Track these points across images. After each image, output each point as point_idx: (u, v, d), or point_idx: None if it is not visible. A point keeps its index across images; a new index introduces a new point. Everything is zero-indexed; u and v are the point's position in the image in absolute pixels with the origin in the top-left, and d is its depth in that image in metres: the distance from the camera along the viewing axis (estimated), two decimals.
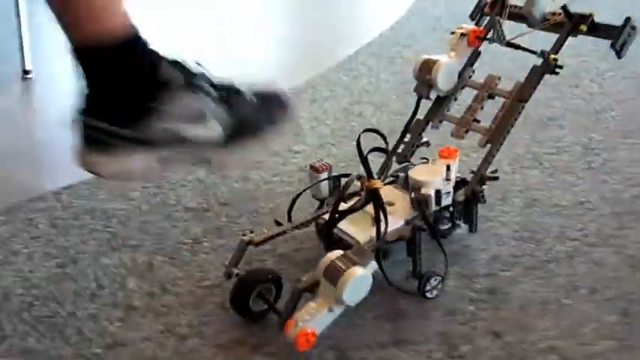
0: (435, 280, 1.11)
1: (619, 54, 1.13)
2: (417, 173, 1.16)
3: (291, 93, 1.22)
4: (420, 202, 1.12)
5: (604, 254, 1.19)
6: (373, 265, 0.99)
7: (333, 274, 0.97)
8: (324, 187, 1.21)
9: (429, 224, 1.11)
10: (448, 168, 1.15)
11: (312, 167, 1.23)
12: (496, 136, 1.17)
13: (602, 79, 1.99)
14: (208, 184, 1.50)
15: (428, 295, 1.10)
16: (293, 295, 0.99)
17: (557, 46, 1.18)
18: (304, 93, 2.01)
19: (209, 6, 3.05)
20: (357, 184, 1.14)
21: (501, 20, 1.23)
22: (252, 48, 2.53)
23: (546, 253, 1.21)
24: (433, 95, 1.25)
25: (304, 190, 1.22)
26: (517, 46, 1.22)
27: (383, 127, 1.34)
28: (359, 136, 1.16)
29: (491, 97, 1.22)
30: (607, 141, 1.61)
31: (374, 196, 1.07)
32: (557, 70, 1.17)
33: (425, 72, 1.22)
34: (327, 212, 1.12)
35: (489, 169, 1.17)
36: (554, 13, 1.21)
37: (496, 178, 1.20)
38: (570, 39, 1.18)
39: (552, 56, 1.16)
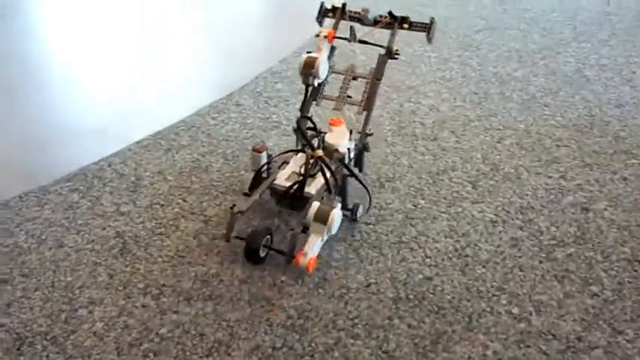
0: (361, 207, 1.73)
1: (430, 41, 1.76)
2: (332, 139, 1.67)
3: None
4: (341, 159, 1.67)
5: None
6: (339, 205, 1.57)
7: (322, 216, 1.51)
8: (263, 161, 1.72)
9: (350, 170, 1.69)
10: (350, 132, 1.72)
11: (253, 149, 1.73)
12: (368, 104, 1.76)
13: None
14: (24, 249, 1.68)
15: (358, 219, 1.75)
16: (293, 238, 1.53)
17: (392, 39, 1.78)
18: (163, 140, 2.15)
19: None
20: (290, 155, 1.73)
21: (350, 23, 1.76)
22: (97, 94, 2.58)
23: None
24: (316, 82, 1.71)
25: (261, 168, 1.72)
26: (366, 42, 1.78)
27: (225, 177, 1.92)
28: (298, 119, 1.68)
29: (354, 79, 1.79)
30: None
31: (322, 161, 1.59)
32: (396, 56, 1.77)
33: (309, 67, 1.68)
34: (279, 179, 1.64)
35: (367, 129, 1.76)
36: (382, 16, 1.79)
37: (371, 134, 1.80)
38: None
39: (391, 46, 1.76)
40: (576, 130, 2.28)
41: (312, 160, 1.58)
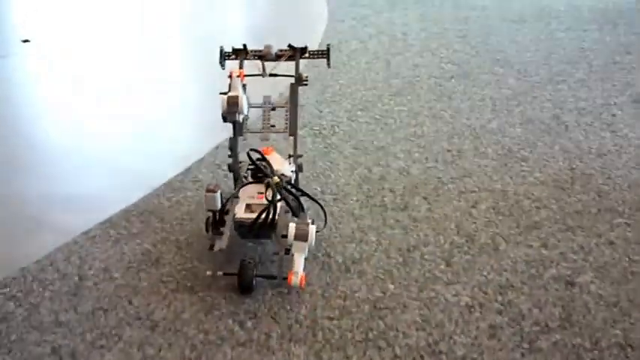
0: (315, 225, 1.73)
1: (329, 65, 1.93)
2: (276, 166, 1.77)
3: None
4: (289, 182, 1.80)
5: None
6: (310, 222, 1.68)
7: (301, 235, 1.63)
8: (218, 199, 1.73)
9: (301, 190, 1.84)
10: (290, 156, 1.89)
11: (207, 190, 1.72)
12: (293, 129, 1.90)
13: None
14: None
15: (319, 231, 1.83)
16: (281, 260, 1.68)
17: (298, 68, 1.93)
18: (113, 229, 2.00)
19: None
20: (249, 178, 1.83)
21: (259, 61, 1.90)
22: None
23: None
24: (240, 118, 1.83)
25: (225, 204, 1.75)
26: (276, 75, 1.93)
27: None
28: (248, 153, 1.76)
29: (273, 109, 1.95)
30: None
31: (282, 186, 1.70)
32: (305, 82, 1.90)
33: (233, 104, 1.80)
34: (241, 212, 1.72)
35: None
36: (282, 50, 1.94)
37: (302, 156, 1.95)
38: None
39: (301, 74, 1.91)
40: (556, 187, 2.13)
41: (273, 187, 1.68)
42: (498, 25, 3.79)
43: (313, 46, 1.98)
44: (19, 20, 4.03)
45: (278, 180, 1.68)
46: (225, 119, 1.82)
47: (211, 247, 1.71)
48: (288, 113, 1.91)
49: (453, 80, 2.98)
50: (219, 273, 1.70)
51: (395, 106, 2.72)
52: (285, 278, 1.64)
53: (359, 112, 2.66)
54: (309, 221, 1.67)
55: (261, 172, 1.75)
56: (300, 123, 1.96)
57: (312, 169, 2.20)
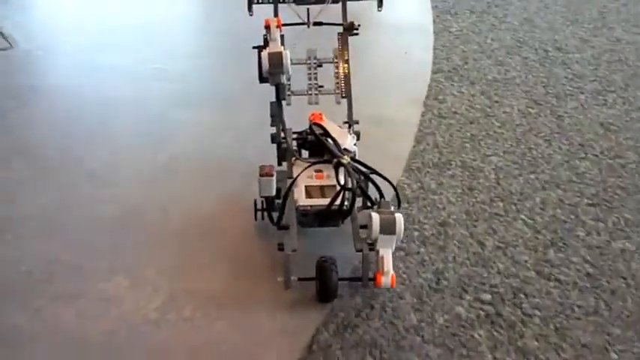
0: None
1: (380, 6, 1.63)
2: (338, 139, 1.46)
3: None
4: (353, 158, 1.45)
5: None
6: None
7: (389, 227, 1.29)
8: (274, 184, 1.43)
9: (369, 167, 1.44)
10: (350, 125, 1.55)
11: (262, 174, 1.41)
12: (346, 90, 1.57)
13: None
14: None
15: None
16: (365, 260, 1.32)
17: (345, 13, 1.62)
18: None
19: None
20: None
21: (299, 5, 1.58)
22: None
23: None
24: (285, 79, 1.50)
25: (288, 190, 1.42)
26: (322, 23, 1.60)
27: None
28: (310, 126, 1.47)
29: (319, 66, 1.58)
30: None
31: (351, 167, 1.38)
32: (356, 31, 1.59)
33: (275, 63, 1.46)
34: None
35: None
36: None
37: (357, 122, 1.58)
38: None
39: (352, 21, 1.59)
40: None
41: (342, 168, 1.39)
42: None
43: None
44: None
45: (349, 160, 1.39)
46: (264, 80, 1.49)
47: (280, 246, 1.33)
48: (337, 70, 1.58)
49: None
50: (293, 278, 1.32)
51: None
52: (372, 279, 1.32)
53: None
54: (394, 210, 1.34)
55: (325, 150, 1.44)
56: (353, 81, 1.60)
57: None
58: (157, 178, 1.73)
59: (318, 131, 1.47)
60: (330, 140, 1.46)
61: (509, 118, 2.06)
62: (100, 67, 2.31)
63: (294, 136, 1.54)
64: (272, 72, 1.47)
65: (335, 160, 1.40)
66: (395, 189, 1.47)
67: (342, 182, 1.37)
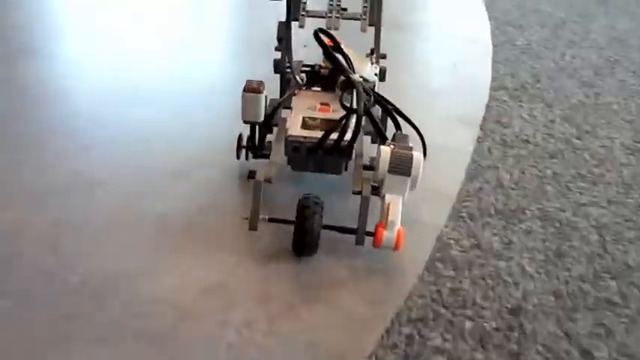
0: None
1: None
2: (361, 68, 1.14)
3: None
4: (373, 88, 1.16)
5: None
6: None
7: (402, 163, 0.97)
8: (262, 105, 1.13)
9: (389, 103, 1.13)
10: (372, 52, 1.26)
11: (246, 89, 1.11)
12: (374, 16, 1.24)
13: None
14: None
15: None
16: (364, 204, 0.97)
17: None
18: None
19: None
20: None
21: None
22: None
23: None
24: None
25: (274, 112, 1.15)
26: None
27: None
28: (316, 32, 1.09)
29: None
30: None
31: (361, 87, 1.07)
32: None
33: None
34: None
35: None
36: None
37: (385, 57, 1.27)
38: None
39: None
40: None
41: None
42: None
43: None
44: None
45: (360, 79, 1.07)
46: None
47: (252, 174, 1.04)
48: None
49: None
50: (263, 217, 1.00)
51: None
52: (370, 233, 0.98)
53: None
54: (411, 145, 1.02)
55: (336, 66, 1.09)
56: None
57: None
58: None
59: (326, 41, 1.09)
60: (341, 58, 1.10)
61: (610, 155, 1.39)
62: None
63: (305, 69, 1.25)
64: None
65: (342, 78, 1.09)
66: (421, 137, 1.10)
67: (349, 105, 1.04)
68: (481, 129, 1.46)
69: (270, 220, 1.01)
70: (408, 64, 1.80)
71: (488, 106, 1.58)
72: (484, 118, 1.51)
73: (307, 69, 1.25)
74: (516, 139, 1.43)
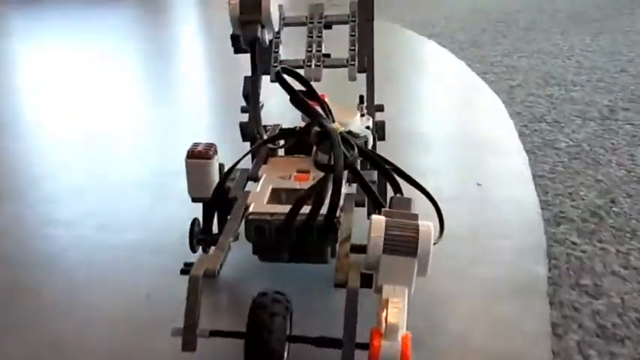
0: None
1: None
2: (340, 117, 0.91)
3: None
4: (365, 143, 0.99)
5: None
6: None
7: (403, 242, 0.65)
8: (213, 173, 0.90)
9: (390, 164, 0.86)
10: (361, 101, 1.04)
11: (191, 155, 0.86)
12: (366, 62, 1.00)
13: None
14: None
15: None
16: (350, 302, 0.64)
17: None
18: None
19: None
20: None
21: None
22: None
23: None
24: (267, 37, 0.94)
25: (222, 182, 0.84)
26: None
27: None
28: (278, 72, 0.81)
29: (327, 26, 1.03)
30: None
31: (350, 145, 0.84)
32: None
33: (250, 10, 0.91)
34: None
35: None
36: None
37: (382, 108, 1.05)
38: None
39: None
40: None
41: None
42: None
43: None
44: None
45: (342, 129, 0.75)
46: (235, 39, 0.90)
47: (187, 266, 0.71)
48: (353, 34, 0.98)
49: None
50: (203, 329, 0.64)
51: None
52: (363, 345, 0.58)
53: None
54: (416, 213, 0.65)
55: (306, 113, 0.78)
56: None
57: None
58: None
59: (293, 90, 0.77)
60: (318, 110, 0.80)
61: None
62: None
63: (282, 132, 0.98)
64: (245, 20, 0.88)
65: (317, 127, 0.75)
66: (437, 207, 0.74)
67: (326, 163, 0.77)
68: (551, 305, 0.81)
69: (213, 333, 0.68)
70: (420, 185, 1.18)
71: (548, 254, 0.94)
72: (552, 283, 0.87)
73: (284, 132, 0.99)
74: (621, 320, 0.78)
